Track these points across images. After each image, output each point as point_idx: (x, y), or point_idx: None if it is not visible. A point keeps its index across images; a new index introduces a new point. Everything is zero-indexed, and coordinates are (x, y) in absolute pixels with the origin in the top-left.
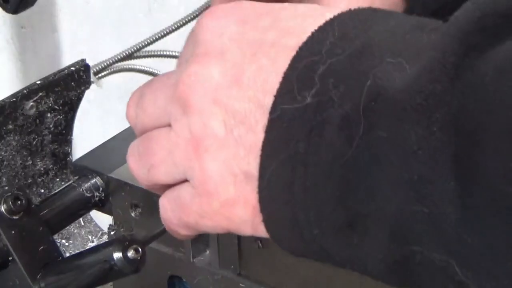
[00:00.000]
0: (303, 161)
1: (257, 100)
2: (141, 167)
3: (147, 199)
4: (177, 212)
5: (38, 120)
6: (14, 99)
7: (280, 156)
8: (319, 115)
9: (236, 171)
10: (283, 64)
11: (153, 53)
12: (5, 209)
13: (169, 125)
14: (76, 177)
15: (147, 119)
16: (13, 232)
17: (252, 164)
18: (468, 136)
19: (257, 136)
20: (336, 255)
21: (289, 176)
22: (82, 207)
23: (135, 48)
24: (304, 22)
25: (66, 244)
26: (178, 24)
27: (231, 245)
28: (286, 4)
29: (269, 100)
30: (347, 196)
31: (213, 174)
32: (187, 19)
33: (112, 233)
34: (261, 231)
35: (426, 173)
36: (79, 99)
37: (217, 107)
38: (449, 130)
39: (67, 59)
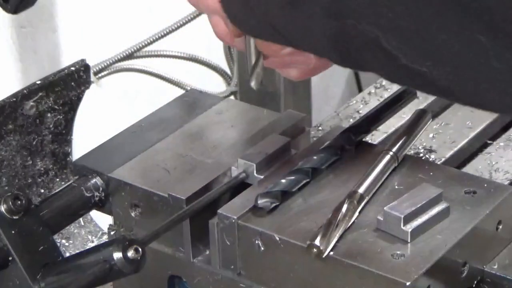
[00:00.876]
0: None
1: None
2: None
3: (147, 199)
4: None
5: (38, 120)
6: (14, 99)
7: None
8: None
9: None
10: None
11: (153, 53)
12: (5, 209)
13: None
14: (76, 177)
15: None
16: (13, 232)
17: None
18: None
19: None
20: (284, 31)
21: None
22: (82, 207)
23: (135, 48)
24: None
25: (66, 244)
26: (178, 24)
27: (231, 245)
28: None
29: None
30: None
31: None
32: (187, 19)
33: (112, 233)
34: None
35: None
36: (79, 99)
37: None
38: None
39: (67, 59)
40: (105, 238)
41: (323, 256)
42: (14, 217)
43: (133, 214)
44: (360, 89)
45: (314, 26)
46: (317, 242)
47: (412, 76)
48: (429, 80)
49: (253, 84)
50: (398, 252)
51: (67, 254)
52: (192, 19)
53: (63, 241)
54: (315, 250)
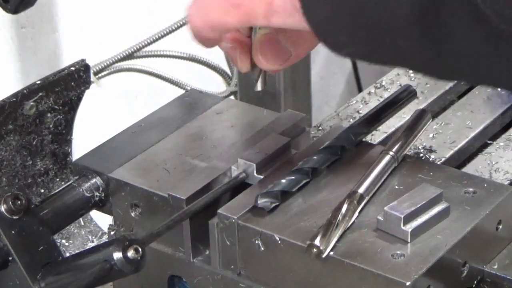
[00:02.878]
0: None
1: None
2: None
3: (147, 199)
4: (202, 14)
5: (38, 120)
6: (14, 99)
7: None
8: None
9: None
10: None
11: (153, 53)
12: (5, 209)
13: None
14: (76, 177)
15: None
16: (13, 232)
17: None
18: None
19: None
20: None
21: None
22: (82, 207)
23: (135, 48)
24: None
25: (66, 244)
26: (178, 24)
27: (231, 245)
28: None
29: None
30: None
31: None
32: (187, 19)
33: (112, 233)
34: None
35: None
36: (79, 99)
37: None
38: None
39: (67, 59)
40: (105, 238)
41: (323, 256)
42: (14, 217)
43: (133, 214)
44: (360, 89)
45: None
46: (317, 242)
47: (501, 42)
48: None
49: (258, 86)
50: (398, 252)
51: (67, 254)
52: None
53: (63, 241)
54: (315, 250)
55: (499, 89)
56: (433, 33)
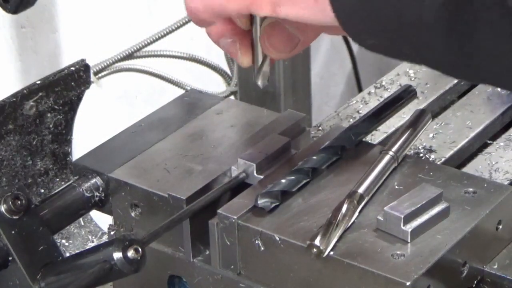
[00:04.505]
0: None
1: None
2: None
3: (147, 199)
4: None
5: (38, 120)
6: (14, 99)
7: None
8: None
9: None
10: None
11: (153, 53)
12: (5, 209)
13: None
14: (76, 177)
15: None
16: (13, 232)
17: None
18: None
19: None
20: None
21: None
22: (82, 207)
23: (135, 48)
24: None
25: (66, 244)
26: (178, 24)
27: (231, 245)
28: None
29: None
30: None
31: None
32: (187, 19)
33: (112, 233)
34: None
35: None
36: (79, 99)
37: None
38: None
39: (67, 59)
40: (105, 238)
41: (323, 256)
42: (14, 217)
43: (133, 214)
44: (360, 89)
45: None
46: (317, 242)
47: None
48: None
49: (260, 82)
50: (398, 252)
51: (67, 254)
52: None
53: (63, 241)
54: (315, 250)
55: None
56: (458, 29)
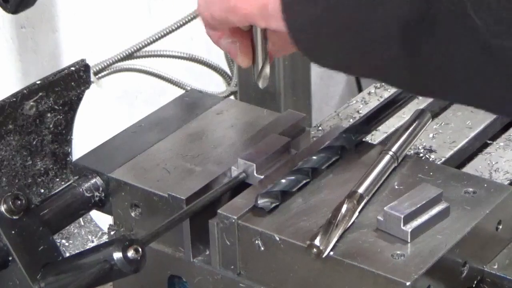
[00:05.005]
0: None
1: None
2: None
3: (147, 199)
4: (208, 7)
5: (38, 120)
6: (14, 99)
7: None
8: None
9: None
10: None
11: (153, 53)
12: (5, 209)
13: None
14: (76, 177)
15: None
16: (13, 232)
17: None
18: None
19: None
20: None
21: None
22: (82, 207)
23: (135, 48)
24: None
25: (66, 244)
26: (178, 24)
27: (231, 245)
28: None
29: None
30: None
31: None
32: (187, 19)
33: (112, 233)
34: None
35: None
36: (79, 99)
37: None
38: None
39: (67, 59)
40: (105, 238)
41: (323, 256)
42: (14, 217)
43: (133, 214)
44: (360, 89)
45: (384, 9)
46: (317, 242)
47: (489, 55)
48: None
49: (260, 83)
50: (398, 252)
51: (67, 254)
52: (192, 19)
53: (63, 241)
54: (315, 250)
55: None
56: (421, 45)
